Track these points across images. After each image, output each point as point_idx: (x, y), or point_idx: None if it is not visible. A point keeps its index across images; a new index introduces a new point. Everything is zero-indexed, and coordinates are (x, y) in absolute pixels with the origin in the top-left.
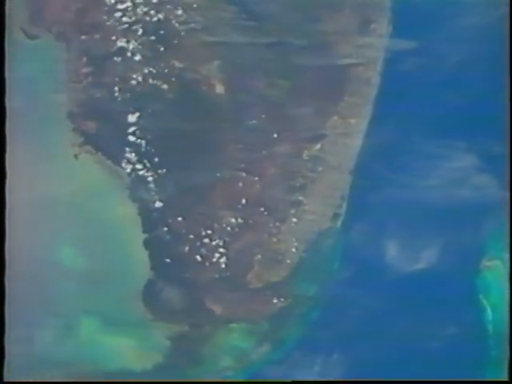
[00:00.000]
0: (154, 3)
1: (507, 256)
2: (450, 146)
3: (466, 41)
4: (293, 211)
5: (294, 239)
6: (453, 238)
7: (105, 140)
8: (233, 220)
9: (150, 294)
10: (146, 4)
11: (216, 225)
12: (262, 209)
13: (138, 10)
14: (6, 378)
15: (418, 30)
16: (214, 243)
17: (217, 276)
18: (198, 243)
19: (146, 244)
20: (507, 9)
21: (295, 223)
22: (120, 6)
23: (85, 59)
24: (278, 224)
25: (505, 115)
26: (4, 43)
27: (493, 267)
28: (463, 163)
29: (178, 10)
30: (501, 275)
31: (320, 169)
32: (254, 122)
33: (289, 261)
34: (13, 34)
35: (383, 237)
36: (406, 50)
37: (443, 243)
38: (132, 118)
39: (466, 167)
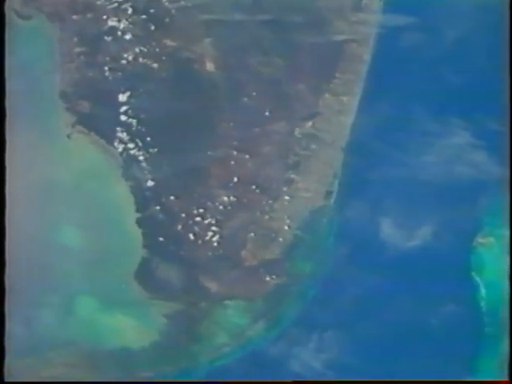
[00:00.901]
0: None
1: (504, 232)
2: (446, 122)
3: (463, 16)
4: (285, 189)
5: (286, 217)
6: (448, 214)
7: (97, 119)
8: (225, 198)
9: (144, 273)
10: None
11: (209, 203)
12: (255, 187)
13: None
14: (7, 378)
15: (415, 5)
16: (206, 222)
17: (210, 254)
18: (191, 222)
19: (140, 223)
20: None
21: (288, 201)
22: None
23: (76, 39)
24: (270, 202)
25: (501, 92)
26: (4, 44)
27: (487, 244)
28: (459, 140)
29: None
30: (495, 252)
31: (313, 146)
32: (246, 99)
33: (281, 239)
34: (7, 16)
35: (379, 214)
36: (402, 25)
37: (438, 220)
38: (123, 98)
39: (462, 144)
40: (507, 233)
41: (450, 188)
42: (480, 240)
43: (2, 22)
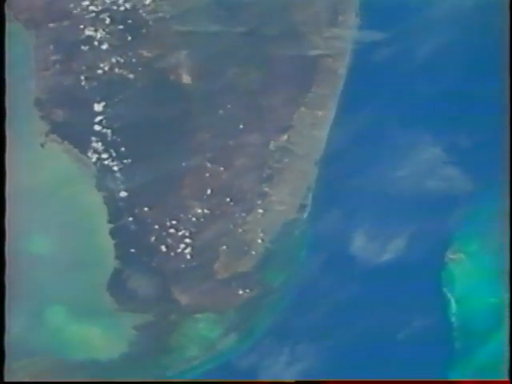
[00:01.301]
0: None
1: (474, 248)
2: (418, 136)
3: (437, 31)
4: (259, 202)
5: (259, 230)
6: (419, 228)
7: (71, 128)
8: (199, 210)
9: (116, 284)
10: None
11: (182, 215)
12: (228, 199)
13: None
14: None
15: (388, 21)
16: (179, 233)
17: (183, 266)
18: (164, 233)
19: (112, 233)
20: (475, 2)
21: (261, 214)
22: None
23: (52, 47)
24: (244, 215)
25: (474, 108)
26: (4, 44)
27: (457, 260)
28: (431, 154)
29: None
30: (466, 268)
31: (286, 160)
32: (222, 111)
33: (254, 252)
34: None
35: (351, 227)
36: (376, 41)
37: (410, 234)
38: (98, 107)
39: (434, 158)
40: (476, 247)
41: (421, 202)
42: (451, 256)
43: (2, 21)
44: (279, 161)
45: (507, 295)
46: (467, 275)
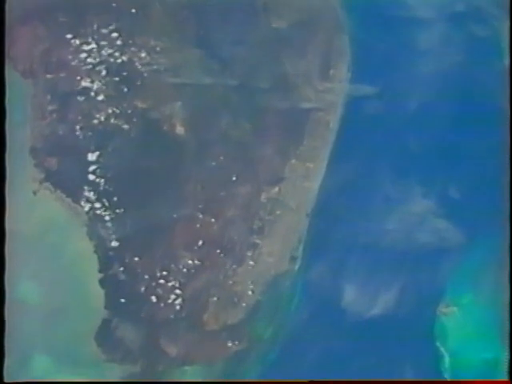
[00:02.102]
0: (118, 45)
1: (466, 300)
2: (408, 189)
3: (425, 86)
4: (250, 253)
5: (249, 282)
6: (410, 281)
7: (65, 177)
8: (189, 261)
9: (103, 334)
10: (110, 46)
11: (172, 265)
12: (219, 250)
13: (103, 52)
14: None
15: (379, 75)
16: (169, 284)
17: (172, 317)
18: (154, 284)
19: (102, 283)
20: (464, 57)
21: (252, 266)
22: (85, 47)
23: (49, 97)
24: (234, 266)
25: (463, 159)
26: (4, 46)
27: (450, 314)
28: (421, 207)
29: (141, 52)
30: (458, 321)
31: (278, 212)
32: (214, 163)
33: (244, 304)
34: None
35: (341, 279)
36: (367, 94)
37: (401, 287)
38: (92, 157)
39: (424, 211)
40: (469, 299)
41: (412, 255)
42: (443, 310)
43: (2, 22)
44: (270, 212)
45: (504, 350)
46: (460, 329)
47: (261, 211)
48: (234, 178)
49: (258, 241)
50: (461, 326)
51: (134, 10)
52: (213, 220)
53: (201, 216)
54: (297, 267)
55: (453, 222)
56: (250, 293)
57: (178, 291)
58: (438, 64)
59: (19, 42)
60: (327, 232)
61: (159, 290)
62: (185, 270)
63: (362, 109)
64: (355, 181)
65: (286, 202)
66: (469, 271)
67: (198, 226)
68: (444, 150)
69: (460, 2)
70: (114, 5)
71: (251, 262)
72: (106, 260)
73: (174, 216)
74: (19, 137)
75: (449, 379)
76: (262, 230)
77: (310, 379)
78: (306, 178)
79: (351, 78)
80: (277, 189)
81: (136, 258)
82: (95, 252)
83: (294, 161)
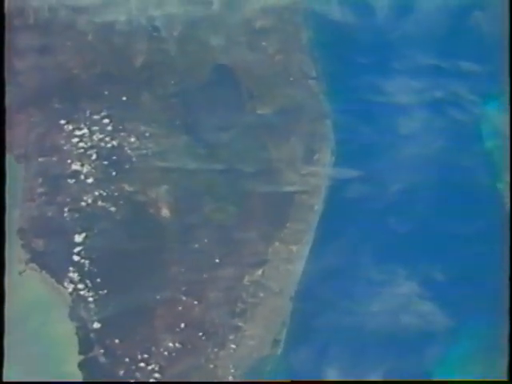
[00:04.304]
0: (108, 130)
1: None
2: (392, 272)
3: (408, 170)
4: (232, 337)
5: (231, 365)
6: (395, 365)
7: (51, 258)
8: (170, 344)
9: None
10: (101, 131)
11: (153, 348)
12: (201, 333)
13: (94, 137)
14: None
15: (362, 159)
16: (149, 367)
17: None
18: (134, 367)
19: (81, 365)
20: (445, 142)
21: (234, 349)
22: (77, 132)
23: (41, 180)
24: (216, 350)
25: (447, 241)
26: (4, 45)
27: None
28: (405, 290)
29: (131, 137)
30: None
31: (261, 294)
32: (197, 245)
33: None
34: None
35: (325, 363)
36: (350, 178)
37: (386, 371)
38: (79, 238)
39: (408, 294)
40: None
41: (397, 338)
42: None
43: (2, 22)
44: (254, 295)
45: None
46: None
47: (244, 294)
48: (217, 261)
49: (240, 324)
50: None
51: (124, 98)
52: (195, 302)
53: (183, 298)
54: (279, 351)
55: (438, 305)
56: (230, 378)
57: (157, 375)
58: (420, 148)
59: (16, 129)
60: (311, 315)
61: (138, 374)
62: (166, 352)
63: (346, 192)
64: (339, 264)
65: (269, 285)
66: (455, 356)
67: (180, 308)
68: (427, 232)
69: (438, 88)
70: (106, 93)
71: (233, 346)
72: (87, 342)
73: (157, 298)
74: (8, 218)
75: (449, 379)
76: (245, 313)
77: None
78: (290, 261)
79: (335, 162)
80: (260, 271)
81: (117, 341)
82: (76, 334)
83: (277, 244)
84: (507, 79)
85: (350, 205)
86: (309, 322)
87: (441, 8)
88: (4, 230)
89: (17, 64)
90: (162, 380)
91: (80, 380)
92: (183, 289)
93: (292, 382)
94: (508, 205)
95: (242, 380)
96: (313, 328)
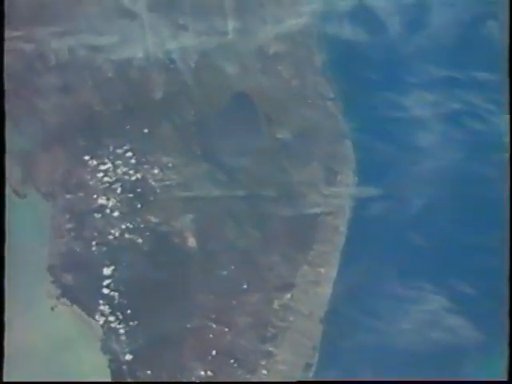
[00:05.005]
0: (132, 164)
1: None
2: (418, 288)
3: (429, 184)
4: (263, 362)
5: None
6: None
7: (80, 292)
8: (202, 372)
9: None
10: (125, 165)
11: (184, 378)
12: (232, 360)
13: (118, 171)
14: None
15: (382, 176)
16: None
17: None
18: None
19: None
20: (464, 153)
21: (265, 375)
22: (102, 167)
23: (68, 216)
24: (248, 376)
25: (471, 256)
26: (3, 49)
27: None
28: (433, 305)
29: (154, 169)
30: None
31: (291, 318)
32: (225, 272)
33: None
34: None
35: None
36: (372, 196)
37: None
38: (107, 271)
39: (437, 309)
40: None
41: (427, 355)
42: None
43: (2, 21)
44: (283, 319)
45: None
46: None
47: (273, 318)
48: (244, 287)
49: (271, 349)
50: None
51: (146, 131)
52: (226, 329)
53: (213, 326)
54: (311, 375)
55: (467, 319)
56: None
57: None
58: (440, 161)
59: (41, 167)
60: (339, 337)
61: None
62: (197, 381)
63: (368, 210)
64: (365, 282)
65: (298, 309)
66: (490, 371)
67: (210, 335)
68: (452, 246)
69: (454, 99)
70: (127, 127)
71: (264, 371)
72: (120, 374)
73: (187, 326)
74: (37, 256)
75: (449, 379)
76: (276, 338)
77: None
78: (318, 283)
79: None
80: (289, 295)
81: (148, 371)
82: (109, 366)
83: (305, 267)
84: (507, 80)
85: (373, 223)
86: (339, 343)
87: (453, 20)
88: (4, 230)
89: (40, 104)
90: None
91: (84, 380)
92: (213, 316)
93: (291, 382)
94: None
95: (242, 380)
96: (342, 349)
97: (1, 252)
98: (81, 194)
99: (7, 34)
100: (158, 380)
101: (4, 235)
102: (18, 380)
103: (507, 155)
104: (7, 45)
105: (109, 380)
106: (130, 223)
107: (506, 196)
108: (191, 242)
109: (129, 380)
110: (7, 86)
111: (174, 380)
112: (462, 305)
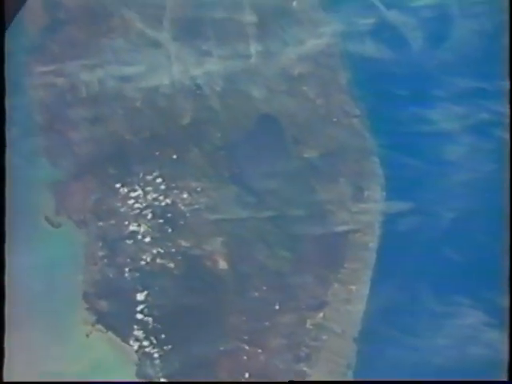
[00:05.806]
0: (161, 189)
1: None
2: (454, 302)
3: (459, 197)
4: None
5: None
6: None
7: (115, 318)
8: None
9: None
10: (155, 191)
11: None
12: (266, 381)
13: (148, 197)
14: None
15: (412, 191)
16: None
17: None
18: None
19: None
20: (494, 164)
21: None
22: (132, 194)
23: (101, 243)
24: None
25: (504, 266)
26: (4, 45)
27: None
28: (470, 320)
29: (183, 194)
30: None
31: (324, 337)
32: (256, 293)
33: None
34: (37, 220)
35: None
36: (401, 211)
37: None
38: (141, 297)
39: (474, 323)
40: None
41: (465, 371)
42: None
43: (2, 21)
44: (316, 339)
45: None
46: None
47: (306, 338)
48: (277, 307)
49: (305, 369)
50: None
51: (175, 156)
52: (259, 351)
53: (246, 347)
54: None
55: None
56: None
57: None
58: (470, 173)
59: (74, 197)
60: (376, 355)
61: None
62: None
63: (398, 226)
64: (399, 299)
65: (331, 327)
66: None
67: (244, 357)
68: (485, 259)
69: (481, 110)
70: (156, 153)
71: None
72: None
73: (221, 349)
74: (72, 285)
75: (449, 379)
76: (309, 357)
77: None
78: (350, 301)
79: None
80: (321, 314)
81: None
82: None
83: (336, 285)
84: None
85: (404, 238)
86: (374, 362)
87: (475, 31)
88: (4, 230)
89: (72, 136)
90: None
91: (83, 380)
92: (245, 338)
93: (291, 382)
94: None
95: (242, 380)
96: (376, 367)
97: (1, 251)
98: (112, 222)
99: (39, 69)
100: None
101: (4, 235)
102: (20, 380)
103: None
104: (40, 80)
105: None
106: (162, 248)
107: None
108: (222, 264)
109: None
110: (40, 119)
111: None
112: (499, 318)
